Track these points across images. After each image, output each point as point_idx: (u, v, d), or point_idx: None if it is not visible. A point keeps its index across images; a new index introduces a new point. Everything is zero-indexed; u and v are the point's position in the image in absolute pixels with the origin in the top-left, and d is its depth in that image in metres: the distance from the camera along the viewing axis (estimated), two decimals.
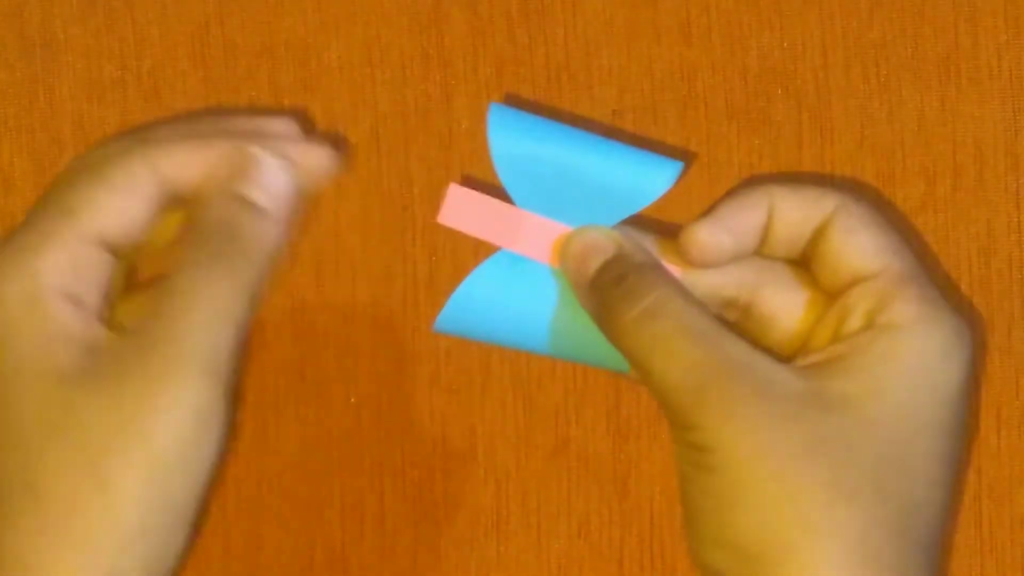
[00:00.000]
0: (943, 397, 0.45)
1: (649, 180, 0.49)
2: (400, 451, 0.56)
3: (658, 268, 0.47)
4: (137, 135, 0.46)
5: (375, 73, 0.56)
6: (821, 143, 0.55)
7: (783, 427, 0.43)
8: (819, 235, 0.48)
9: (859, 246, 0.47)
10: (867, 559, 0.42)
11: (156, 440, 0.42)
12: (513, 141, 0.49)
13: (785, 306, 0.49)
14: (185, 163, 0.45)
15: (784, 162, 0.55)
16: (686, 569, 0.56)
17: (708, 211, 0.49)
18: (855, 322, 0.47)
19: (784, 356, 0.48)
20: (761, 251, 0.49)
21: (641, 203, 0.49)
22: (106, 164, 0.45)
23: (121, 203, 0.44)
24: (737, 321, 0.50)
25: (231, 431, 0.44)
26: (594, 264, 0.48)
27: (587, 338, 0.49)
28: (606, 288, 0.47)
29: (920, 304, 0.46)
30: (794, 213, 0.48)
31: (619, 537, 0.55)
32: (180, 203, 0.46)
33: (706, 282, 0.49)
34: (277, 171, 0.46)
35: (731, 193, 0.49)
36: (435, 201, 0.56)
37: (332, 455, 0.56)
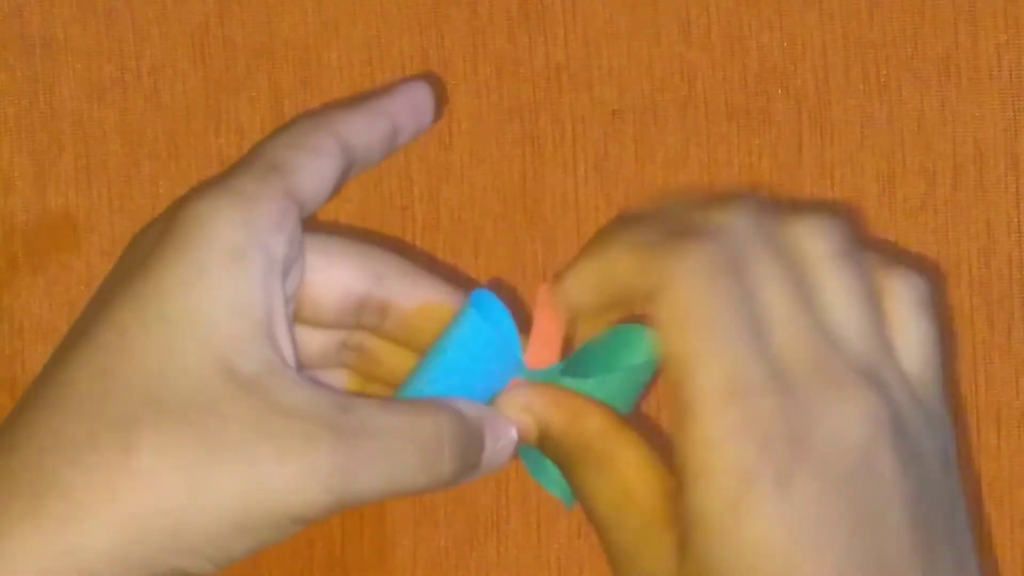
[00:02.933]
0: None
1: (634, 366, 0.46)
2: None
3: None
4: (319, 114, 0.47)
5: (375, 73, 0.56)
6: (821, 143, 0.55)
7: None
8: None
9: None
10: None
11: (260, 502, 0.41)
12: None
13: None
14: (359, 129, 0.46)
15: (784, 162, 0.55)
16: None
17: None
18: None
19: None
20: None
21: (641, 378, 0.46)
22: (299, 134, 0.46)
23: (316, 162, 0.45)
24: None
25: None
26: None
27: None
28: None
29: None
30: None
31: None
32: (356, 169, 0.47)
33: None
34: (510, 446, 0.46)
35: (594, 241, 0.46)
36: (435, 201, 0.56)
37: None
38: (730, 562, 0.40)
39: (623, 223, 0.45)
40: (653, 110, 0.55)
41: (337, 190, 0.47)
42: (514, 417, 0.46)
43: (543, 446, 0.46)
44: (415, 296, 0.47)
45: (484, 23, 0.56)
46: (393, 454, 0.42)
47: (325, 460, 0.41)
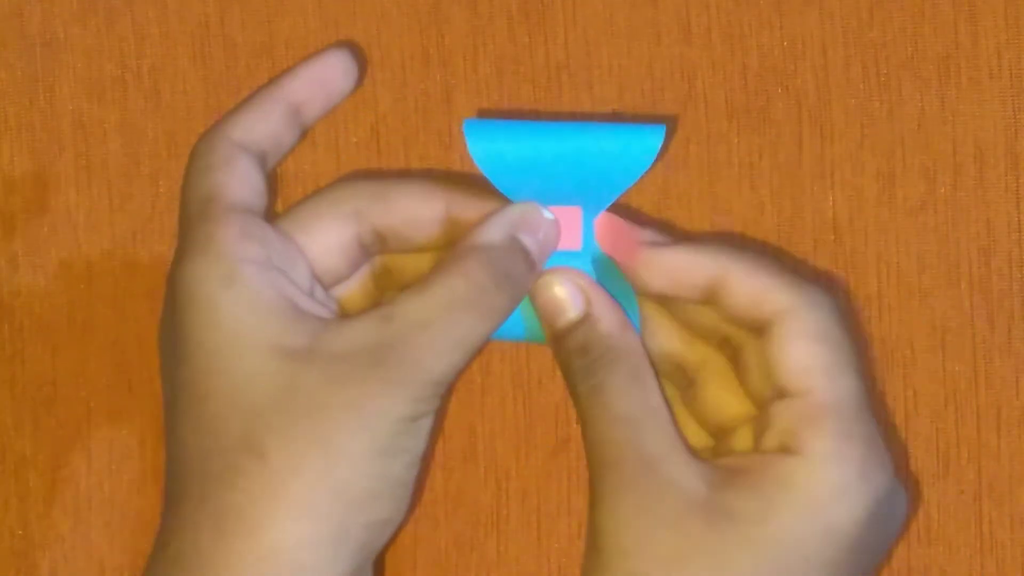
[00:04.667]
0: (834, 536, 0.45)
1: (636, 153, 0.48)
2: None
3: (616, 343, 0.48)
4: (213, 125, 0.50)
5: (375, 73, 0.56)
6: (821, 143, 0.55)
7: (667, 530, 0.45)
8: (762, 329, 0.47)
9: (792, 360, 0.46)
10: None
11: (377, 424, 0.45)
12: (494, 148, 0.49)
13: (718, 395, 0.50)
14: (248, 125, 0.49)
15: (784, 162, 0.55)
16: None
17: (666, 244, 0.48)
18: (771, 439, 0.47)
19: (711, 438, 0.50)
20: (703, 315, 0.49)
21: (633, 175, 0.48)
22: (202, 155, 0.49)
23: (232, 168, 0.48)
24: (684, 388, 0.50)
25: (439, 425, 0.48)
26: (560, 322, 0.48)
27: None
28: (567, 351, 0.48)
29: (831, 439, 0.45)
30: (742, 297, 0.47)
31: None
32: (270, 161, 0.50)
33: (662, 345, 0.50)
34: (552, 228, 0.49)
35: (699, 240, 0.49)
36: None
37: None
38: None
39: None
40: (653, 110, 0.55)
41: (270, 176, 0.50)
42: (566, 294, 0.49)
43: (570, 338, 0.48)
44: (392, 214, 0.50)
45: (484, 23, 0.56)
46: (443, 325, 0.46)
47: (391, 367, 0.45)
